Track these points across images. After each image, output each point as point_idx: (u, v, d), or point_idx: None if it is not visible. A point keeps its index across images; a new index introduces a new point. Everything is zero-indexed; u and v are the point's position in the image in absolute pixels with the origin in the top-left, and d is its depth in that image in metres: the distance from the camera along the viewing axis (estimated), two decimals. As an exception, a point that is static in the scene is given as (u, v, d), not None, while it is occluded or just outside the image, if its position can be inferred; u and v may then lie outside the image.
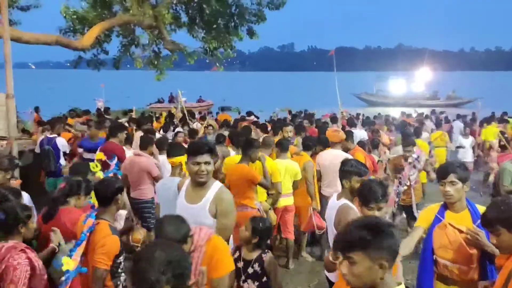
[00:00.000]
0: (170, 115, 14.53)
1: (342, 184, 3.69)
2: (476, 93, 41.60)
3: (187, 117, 11.86)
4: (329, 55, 27.61)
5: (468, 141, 11.80)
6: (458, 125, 14.98)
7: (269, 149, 6.23)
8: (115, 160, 4.90)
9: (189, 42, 14.49)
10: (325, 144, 6.78)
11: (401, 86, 43.69)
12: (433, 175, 6.93)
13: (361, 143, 8.38)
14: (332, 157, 6.32)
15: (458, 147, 11.81)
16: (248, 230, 3.65)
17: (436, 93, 41.72)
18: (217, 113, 22.06)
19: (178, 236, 2.63)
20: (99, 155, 5.74)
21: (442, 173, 3.37)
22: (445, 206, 3.33)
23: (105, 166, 5.17)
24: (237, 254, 3.69)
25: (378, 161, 8.82)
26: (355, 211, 3.45)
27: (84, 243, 3.04)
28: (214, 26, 13.77)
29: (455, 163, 3.47)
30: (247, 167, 5.36)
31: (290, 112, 18.54)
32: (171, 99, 32.93)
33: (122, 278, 3.29)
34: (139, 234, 4.61)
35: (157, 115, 16.16)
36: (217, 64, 14.47)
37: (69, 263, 3.05)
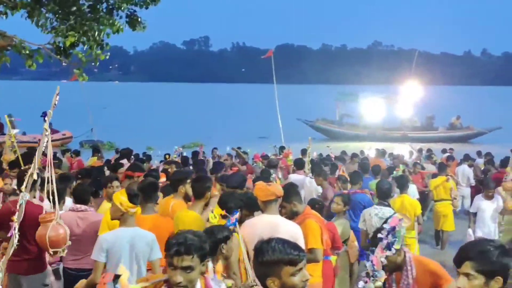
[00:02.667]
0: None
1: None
2: (493, 119, 43.52)
3: (21, 161, 11.44)
4: (264, 58, 27.68)
5: (491, 206, 11.26)
6: (464, 172, 15.50)
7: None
8: (237, 214, 6.30)
9: (31, 35, 14.17)
10: (252, 205, 6.88)
11: (379, 108, 44.27)
12: None
13: (315, 203, 8.44)
14: (262, 228, 6.41)
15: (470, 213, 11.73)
16: None
17: (431, 120, 43.08)
18: (75, 153, 20.90)
19: None
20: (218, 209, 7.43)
21: (456, 257, 3.62)
22: None
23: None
24: None
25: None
26: None
27: None
28: (73, 9, 13.64)
29: (478, 244, 3.65)
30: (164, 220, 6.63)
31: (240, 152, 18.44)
32: (-2, 129, 31.90)
33: None
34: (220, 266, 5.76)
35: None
36: (78, 70, 14.24)
37: None
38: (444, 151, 21.23)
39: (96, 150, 19.75)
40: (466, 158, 17.73)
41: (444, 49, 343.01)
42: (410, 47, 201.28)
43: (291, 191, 7.37)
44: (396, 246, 6.41)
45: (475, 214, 11.31)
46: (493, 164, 16.32)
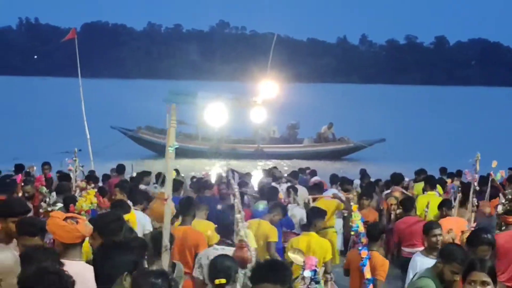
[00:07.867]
0: None
1: None
2: (376, 129, 39.30)
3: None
4: (65, 41, 22.49)
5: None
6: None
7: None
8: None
9: None
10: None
11: (225, 114, 32.79)
12: None
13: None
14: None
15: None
16: None
17: (295, 129, 34.61)
18: None
19: None
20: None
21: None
22: None
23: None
24: None
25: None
26: None
27: (366, 267, 7.47)
28: None
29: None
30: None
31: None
32: None
33: None
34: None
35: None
36: None
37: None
38: (301, 170, 18.75)
39: None
40: (335, 179, 14.92)
41: (312, 34, 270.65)
42: (266, 31, 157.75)
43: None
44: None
45: None
46: (374, 189, 13.68)
